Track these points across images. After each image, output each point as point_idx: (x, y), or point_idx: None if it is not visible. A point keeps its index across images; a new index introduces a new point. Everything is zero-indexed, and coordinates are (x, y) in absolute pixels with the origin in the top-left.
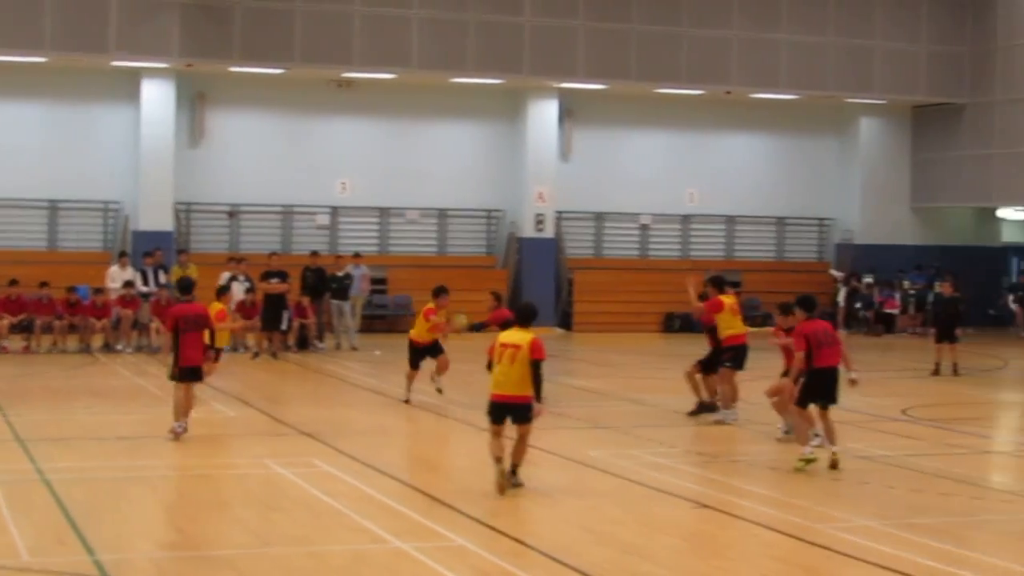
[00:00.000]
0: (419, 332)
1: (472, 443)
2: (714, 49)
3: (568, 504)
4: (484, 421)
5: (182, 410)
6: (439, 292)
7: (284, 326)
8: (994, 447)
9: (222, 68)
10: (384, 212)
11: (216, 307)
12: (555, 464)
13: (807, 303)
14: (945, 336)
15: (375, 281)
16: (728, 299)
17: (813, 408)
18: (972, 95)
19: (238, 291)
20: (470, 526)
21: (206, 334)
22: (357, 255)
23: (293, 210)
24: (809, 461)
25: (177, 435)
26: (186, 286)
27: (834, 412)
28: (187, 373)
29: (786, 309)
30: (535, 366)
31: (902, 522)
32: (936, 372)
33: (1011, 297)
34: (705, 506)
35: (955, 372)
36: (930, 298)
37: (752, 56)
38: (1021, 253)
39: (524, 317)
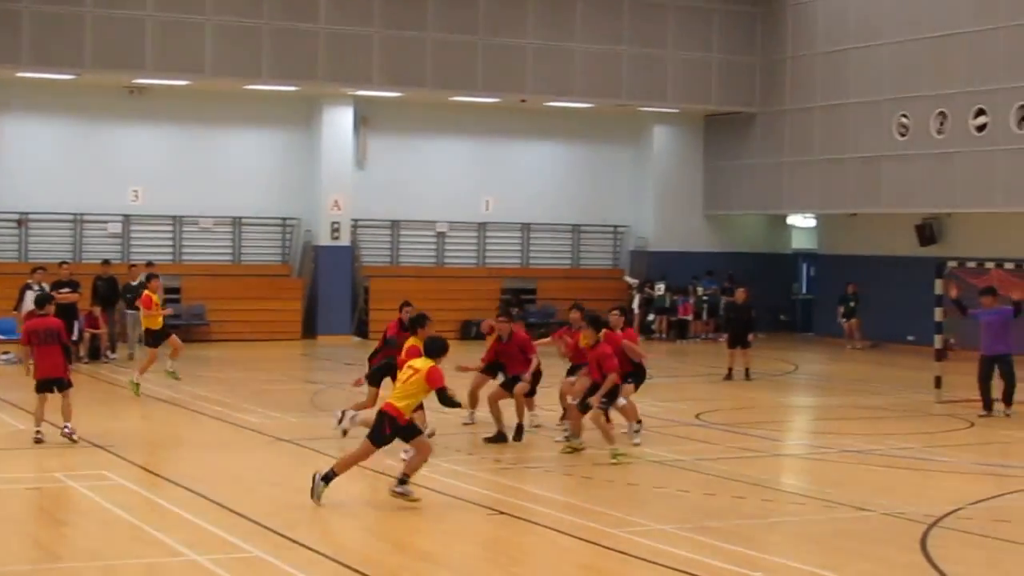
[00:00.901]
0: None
1: (269, 454)
2: (509, 57)
3: (366, 514)
4: (281, 431)
5: (38, 418)
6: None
7: (75, 336)
8: (785, 450)
9: (10, 74)
10: (178, 220)
11: None
12: (352, 474)
13: (596, 323)
14: (738, 341)
15: (168, 290)
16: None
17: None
18: (763, 104)
19: (30, 301)
20: (267, 537)
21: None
22: (150, 264)
23: (84, 218)
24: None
25: (38, 441)
26: (41, 301)
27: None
28: (43, 385)
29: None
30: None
31: (696, 525)
32: (729, 377)
33: (840, 310)
34: (502, 513)
35: (747, 376)
36: (723, 304)
37: (547, 64)
38: (811, 260)
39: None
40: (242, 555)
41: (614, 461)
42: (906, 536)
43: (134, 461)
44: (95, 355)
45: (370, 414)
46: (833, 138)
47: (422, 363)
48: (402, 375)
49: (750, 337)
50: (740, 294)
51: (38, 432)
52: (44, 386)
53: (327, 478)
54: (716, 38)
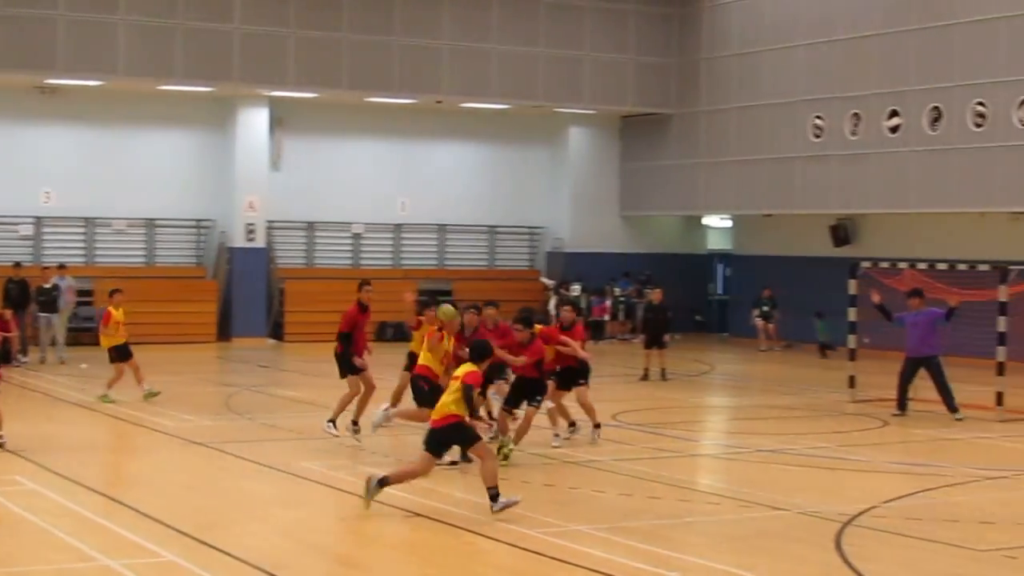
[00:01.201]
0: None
1: (183, 457)
2: (425, 58)
3: (281, 516)
4: (195, 434)
5: None
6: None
7: None
8: (700, 450)
9: None
10: (90, 222)
11: None
12: (266, 476)
13: (527, 320)
14: (654, 342)
15: (81, 293)
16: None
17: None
18: (678, 106)
19: None
20: (181, 541)
21: None
22: (62, 266)
23: None
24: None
25: None
26: None
27: (545, 419)
28: None
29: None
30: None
31: (613, 526)
32: (645, 377)
33: (755, 312)
34: (418, 515)
35: (663, 377)
36: (640, 305)
37: (463, 66)
38: (726, 260)
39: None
40: (155, 560)
41: (502, 460)
42: (821, 535)
43: (47, 466)
44: (5, 359)
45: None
46: (748, 139)
47: (463, 369)
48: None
49: (666, 338)
50: (656, 295)
51: None
52: None
53: (382, 483)
54: (632, 40)
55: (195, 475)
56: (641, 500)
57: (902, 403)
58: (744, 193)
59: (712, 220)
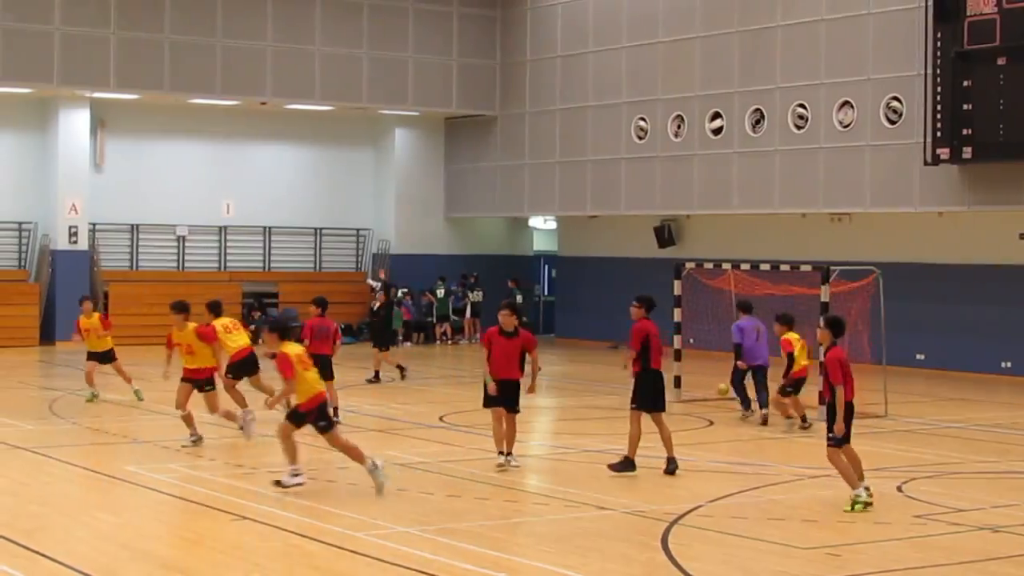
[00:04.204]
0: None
1: (4, 461)
2: (248, 60)
3: (106, 521)
4: (17, 438)
5: None
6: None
7: None
8: (528, 451)
9: None
10: None
11: None
12: (91, 480)
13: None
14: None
15: None
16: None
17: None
18: (503, 107)
19: None
20: (6, 547)
21: None
22: None
23: None
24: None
25: None
26: None
27: (372, 421)
28: None
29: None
30: None
31: (439, 527)
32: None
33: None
34: (245, 518)
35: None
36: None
37: (287, 67)
38: (552, 261)
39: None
40: None
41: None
42: (647, 534)
43: None
44: None
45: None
46: (572, 141)
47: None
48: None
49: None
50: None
51: None
52: None
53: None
54: (456, 41)
55: (18, 480)
56: (469, 501)
57: (746, 402)
58: (568, 194)
59: (537, 222)
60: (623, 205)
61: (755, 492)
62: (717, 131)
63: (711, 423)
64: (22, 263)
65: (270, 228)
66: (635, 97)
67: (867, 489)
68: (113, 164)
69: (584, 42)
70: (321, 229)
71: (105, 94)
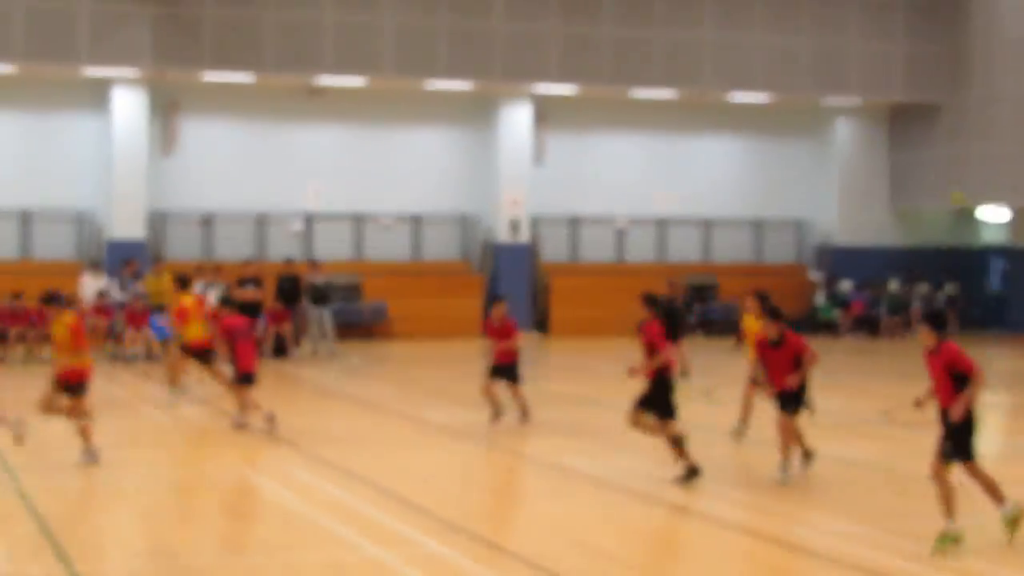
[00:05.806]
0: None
1: (454, 452)
2: (686, 50)
3: (549, 509)
4: (465, 429)
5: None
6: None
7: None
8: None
9: (193, 76)
10: (358, 218)
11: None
12: (534, 470)
13: (774, 312)
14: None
15: (350, 288)
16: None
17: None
18: (951, 93)
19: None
20: (452, 535)
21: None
22: (314, 264)
23: (266, 217)
24: None
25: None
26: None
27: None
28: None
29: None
30: None
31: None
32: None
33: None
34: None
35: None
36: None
37: (725, 57)
38: (1003, 254)
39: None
40: (421, 551)
41: None
42: None
43: (319, 457)
44: (281, 351)
45: None
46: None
47: None
48: None
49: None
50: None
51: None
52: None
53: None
54: (901, 27)
55: (467, 470)
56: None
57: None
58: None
59: (987, 212)
60: None
61: None
62: None
63: None
64: (465, 255)
65: (709, 220)
66: None
67: None
68: (553, 157)
69: None
70: (760, 221)
71: (545, 88)
